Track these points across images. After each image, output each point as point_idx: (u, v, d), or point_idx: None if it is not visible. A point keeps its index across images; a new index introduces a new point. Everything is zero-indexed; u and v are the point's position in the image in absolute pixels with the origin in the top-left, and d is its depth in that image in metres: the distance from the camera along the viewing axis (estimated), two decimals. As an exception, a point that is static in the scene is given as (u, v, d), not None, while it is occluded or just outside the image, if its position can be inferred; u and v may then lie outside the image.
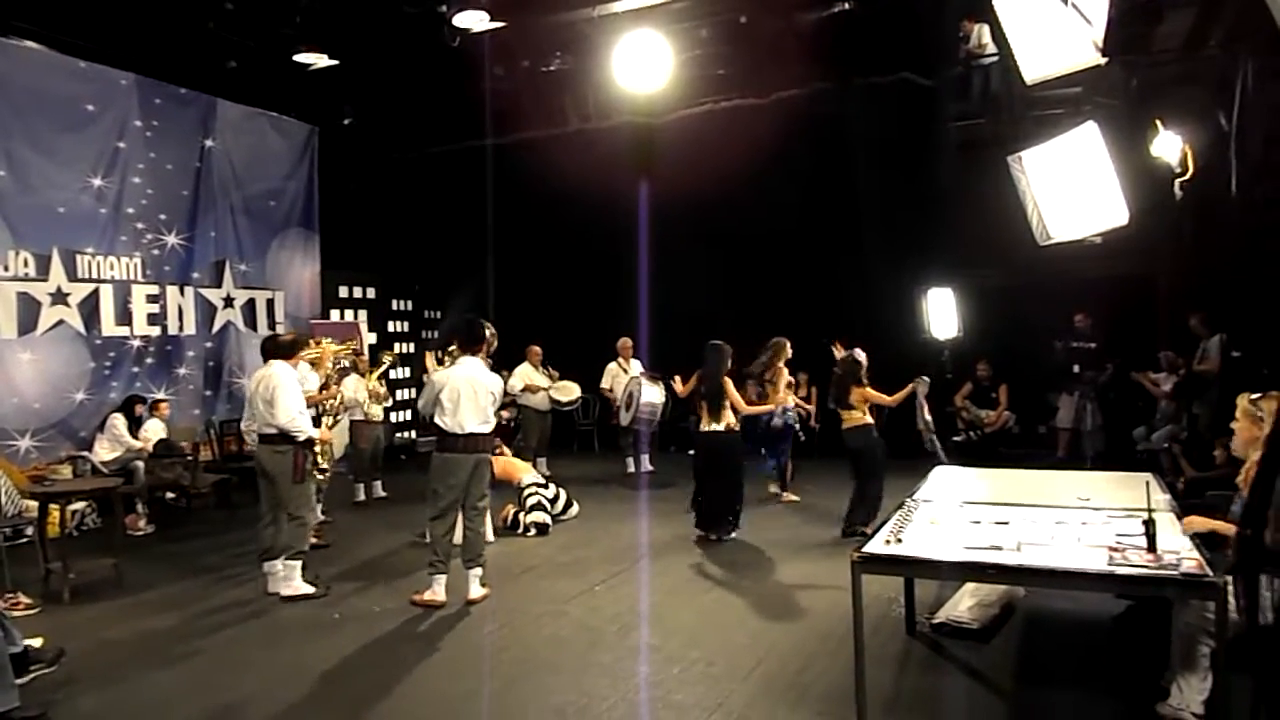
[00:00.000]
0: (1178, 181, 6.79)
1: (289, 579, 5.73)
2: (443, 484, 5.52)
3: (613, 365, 10.33)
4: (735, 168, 9.77)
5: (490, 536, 6.97)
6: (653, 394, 9.33)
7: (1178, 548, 3.20)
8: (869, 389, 6.99)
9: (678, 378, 8.39)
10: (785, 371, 7.87)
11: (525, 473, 7.71)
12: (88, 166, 8.94)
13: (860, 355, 7.18)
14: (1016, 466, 5.95)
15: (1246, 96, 6.13)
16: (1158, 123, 6.69)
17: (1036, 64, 6.67)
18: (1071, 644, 4.57)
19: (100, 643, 4.98)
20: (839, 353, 7.39)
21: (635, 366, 10.13)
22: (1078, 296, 9.29)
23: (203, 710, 4.06)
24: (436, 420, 5.58)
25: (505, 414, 9.21)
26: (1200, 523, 3.23)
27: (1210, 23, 5.95)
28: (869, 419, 7.03)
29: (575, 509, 7.88)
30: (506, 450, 8.08)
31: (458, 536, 5.65)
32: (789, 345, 7.79)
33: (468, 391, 5.48)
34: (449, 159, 12.23)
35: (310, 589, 5.75)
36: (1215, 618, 2.97)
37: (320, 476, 6.60)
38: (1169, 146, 6.76)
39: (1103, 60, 6.13)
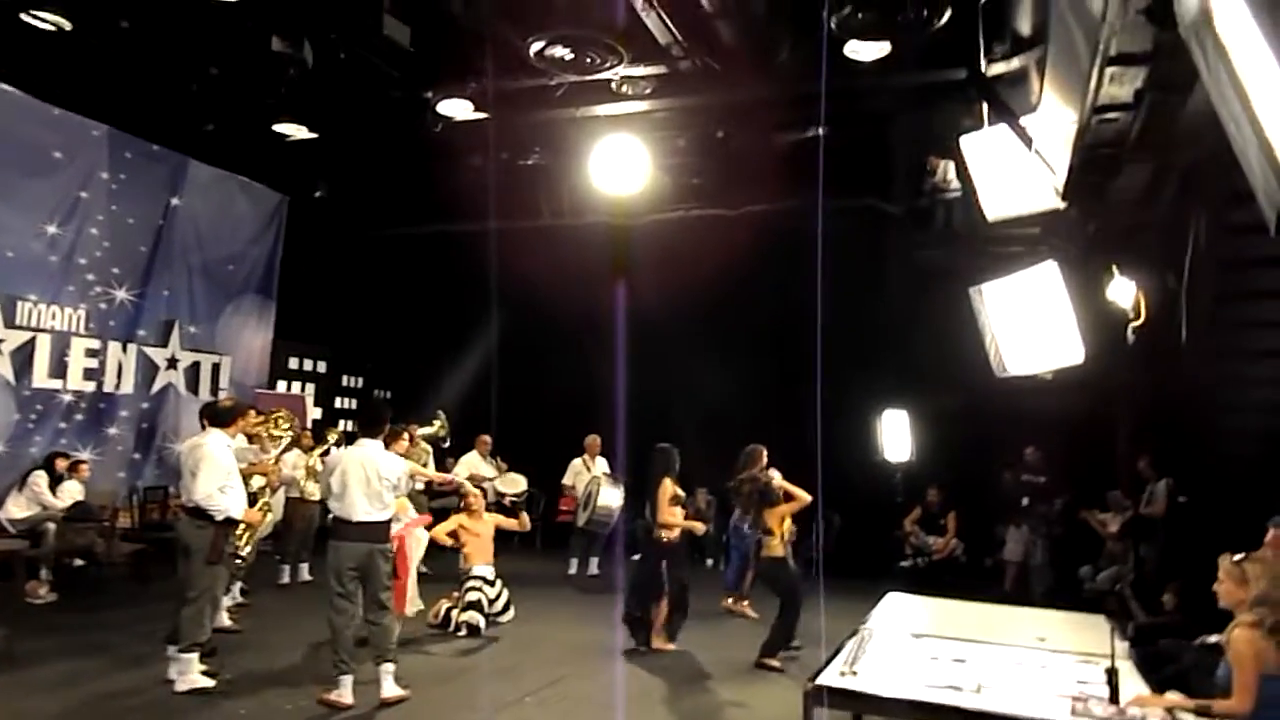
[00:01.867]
0: (1131, 326, 6.97)
1: (183, 672, 5.23)
2: (334, 575, 5.19)
3: (577, 461, 10.10)
4: (705, 276, 9.90)
5: (414, 611, 6.58)
6: (610, 496, 9.12)
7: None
8: (782, 506, 6.79)
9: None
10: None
11: (481, 560, 7.32)
12: (45, 213, 8.73)
13: (773, 475, 7.04)
14: (964, 597, 5.82)
15: (1199, 250, 6.38)
16: (1113, 268, 6.92)
17: (998, 204, 6.92)
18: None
19: (-28, 724, 4.52)
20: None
21: (601, 465, 9.92)
22: (1030, 429, 9.41)
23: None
24: (330, 504, 5.30)
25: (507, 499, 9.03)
26: (1153, 700, 3.12)
27: (1165, 178, 6.21)
28: (782, 551, 6.69)
29: (511, 613, 7.46)
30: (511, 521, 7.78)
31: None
32: (765, 452, 7.64)
33: (358, 475, 5.18)
34: (416, 242, 12.19)
35: (208, 682, 5.26)
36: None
37: (238, 561, 6.17)
38: (1123, 292, 6.96)
39: (1062, 205, 6.38)
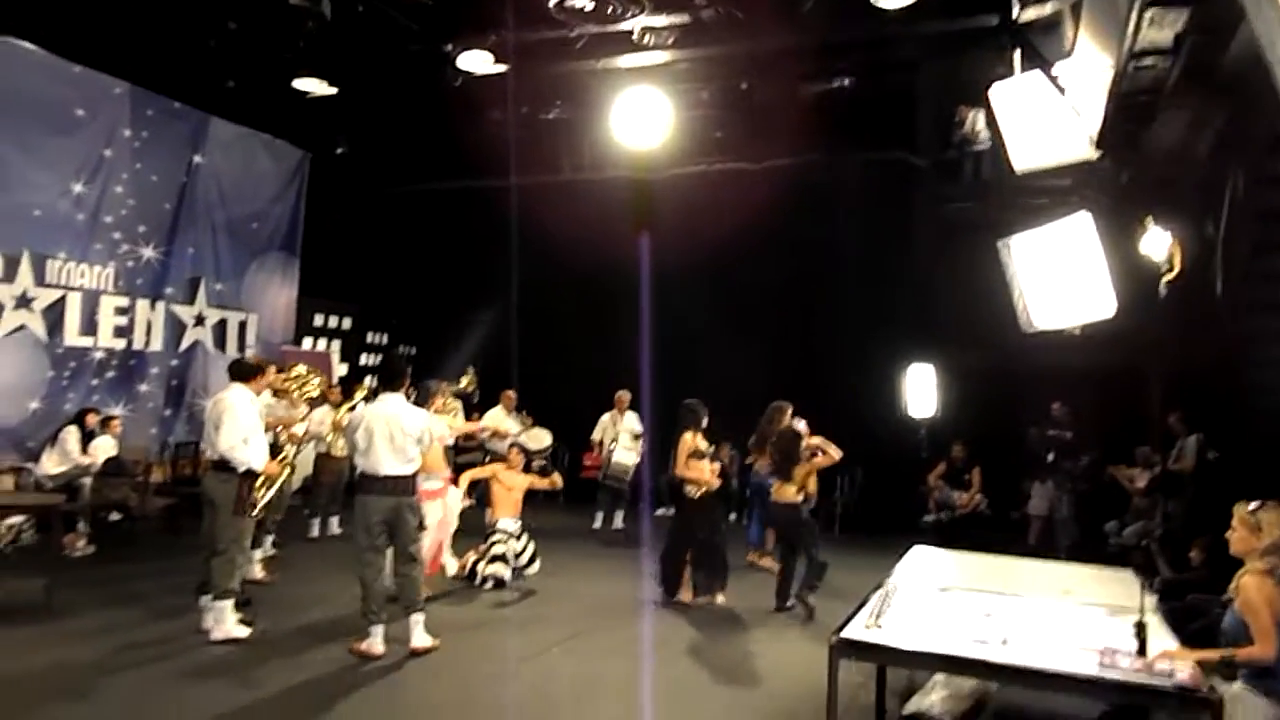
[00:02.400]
0: (1163, 279, 6.82)
1: (218, 621, 5.37)
2: (362, 528, 5.28)
3: (605, 417, 10.11)
4: (728, 229, 9.78)
5: (451, 569, 6.76)
6: (624, 456, 9.15)
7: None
8: (810, 462, 6.80)
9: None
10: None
11: (506, 514, 7.40)
12: (70, 171, 8.77)
13: (801, 426, 7.03)
14: (989, 551, 5.81)
15: (1235, 201, 6.20)
16: (1147, 219, 6.75)
17: (1027, 155, 6.76)
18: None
19: (13, 671, 4.66)
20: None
21: (630, 419, 9.93)
22: (1057, 385, 9.29)
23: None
24: (355, 460, 5.38)
25: (536, 463, 9.08)
26: (1181, 654, 3.10)
27: (1202, 127, 6.03)
28: (795, 498, 6.75)
29: (536, 566, 7.55)
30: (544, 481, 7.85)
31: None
32: (789, 408, 7.61)
33: (382, 430, 5.23)
34: (438, 197, 12.16)
35: (243, 631, 5.41)
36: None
37: (254, 512, 6.26)
38: (1157, 244, 6.81)
39: (1095, 155, 6.22)
